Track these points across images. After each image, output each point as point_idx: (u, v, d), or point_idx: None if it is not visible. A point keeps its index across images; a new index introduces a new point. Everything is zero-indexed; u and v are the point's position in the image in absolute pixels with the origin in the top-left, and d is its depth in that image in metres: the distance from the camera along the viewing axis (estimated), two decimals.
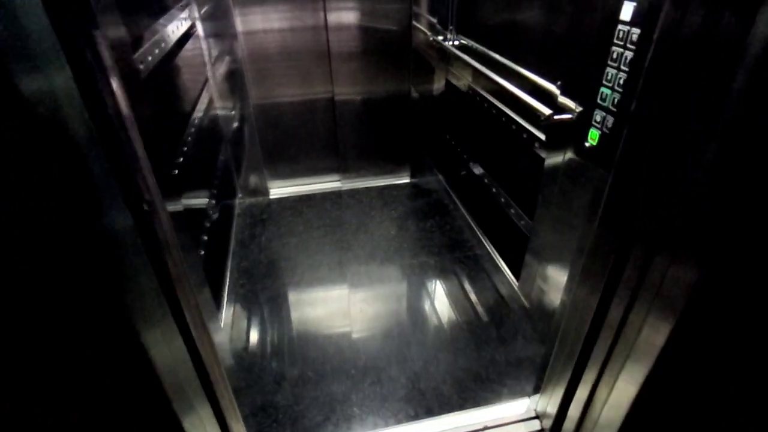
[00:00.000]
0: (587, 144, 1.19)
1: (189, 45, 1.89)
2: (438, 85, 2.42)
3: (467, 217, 2.31)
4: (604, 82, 1.08)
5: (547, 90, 1.41)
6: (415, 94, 2.51)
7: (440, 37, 2.25)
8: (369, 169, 2.70)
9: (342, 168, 2.65)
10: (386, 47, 2.35)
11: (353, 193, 2.62)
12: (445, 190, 2.60)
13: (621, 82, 1.02)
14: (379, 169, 2.72)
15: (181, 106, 1.68)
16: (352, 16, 2.25)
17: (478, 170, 2.11)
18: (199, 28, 2.03)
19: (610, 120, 1.07)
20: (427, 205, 2.49)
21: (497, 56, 1.74)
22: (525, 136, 1.62)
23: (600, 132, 1.13)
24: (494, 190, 1.94)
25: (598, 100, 1.11)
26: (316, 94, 2.41)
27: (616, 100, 1.05)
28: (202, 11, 2.01)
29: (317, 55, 2.28)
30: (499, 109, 1.77)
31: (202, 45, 2.06)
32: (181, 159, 1.53)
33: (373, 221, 2.36)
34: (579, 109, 1.24)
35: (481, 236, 2.17)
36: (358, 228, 2.30)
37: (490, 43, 1.85)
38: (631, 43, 0.98)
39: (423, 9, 2.29)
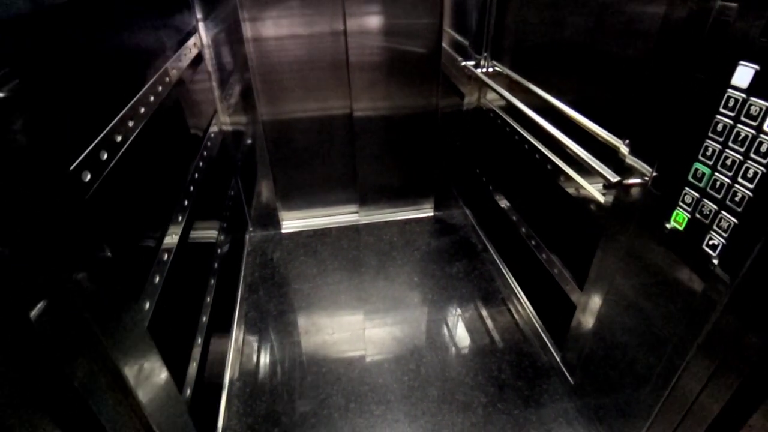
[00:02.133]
0: (669, 226, 0.96)
1: (194, 77, 1.70)
2: (468, 112, 2.20)
3: (498, 262, 2.09)
4: (701, 158, 0.85)
5: (611, 145, 1.18)
6: (441, 117, 2.27)
7: (471, 63, 2.03)
8: (389, 200, 2.49)
9: (361, 198, 2.45)
10: (411, 63, 2.11)
11: (372, 228, 2.41)
12: (472, 227, 2.38)
13: (729, 163, 0.79)
14: (401, 201, 2.51)
15: (180, 151, 1.49)
16: (373, 26, 2.00)
17: (513, 216, 1.88)
18: (206, 53, 1.84)
19: (710, 207, 0.84)
20: (453, 244, 2.27)
21: (542, 92, 1.51)
22: (577, 192, 1.39)
23: (690, 217, 0.90)
24: (533, 242, 1.71)
25: (690, 178, 0.88)
26: (333, 109, 2.18)
27: (719, 184, 0.82)
28: (211, 32, 1.82)
29: (334, 65, 2.05)
30: (544, 155, 1.54)
31: (210, 69, 1.87)
32: (186, 201, 1.35)
33: (394, 264, 2.14)
34: (654, 174, 1.02)
35: (514, 287, 1.94)
36: (377, 272, 2.10)
37: (533, 75, 1.62)
38: (750, 117, 0.75)
39: (453, 27, 2.06)
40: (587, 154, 1.19)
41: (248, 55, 1.94)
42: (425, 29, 2.06)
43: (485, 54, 1.98)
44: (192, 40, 1.68)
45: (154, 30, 1.33)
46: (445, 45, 2.10)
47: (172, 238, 1.18)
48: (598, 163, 1.15)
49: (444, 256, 2.19)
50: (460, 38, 2.06)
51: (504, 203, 1.98)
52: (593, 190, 1.31)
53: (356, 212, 2.49)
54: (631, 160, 1.10)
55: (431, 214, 2.51)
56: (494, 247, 2.17)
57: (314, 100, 2.14)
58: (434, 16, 2.03)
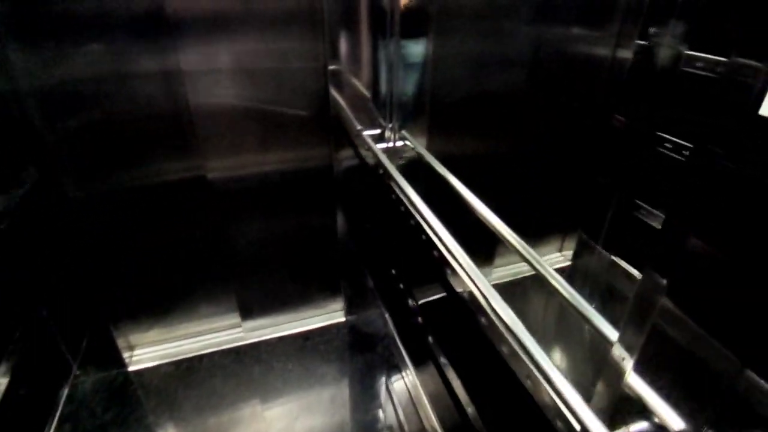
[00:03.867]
0: None
1: None
2: (373, 187, 1.63)
3: (429, 407, 1.52)
4: None
5: (604, 335, 0.66)
6: (341, 180, 1.67)
7: (374, 132, 1.49)
8: (284, 305, 1.86)
9: (241, 306, 1.80)
10: (285, 116, 1.53)
11: (260, 350, 1.77)
12: (392, 338, 1.80)
13: None
14: (300, 303, 1.89)
15: None
16: (225, 65, 1.38)
17: (440, 357, 1.33)
18: None
19: None
20: (370, 369, 1.69)
21: (474, 200, 0.98)
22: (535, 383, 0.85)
23: None
24: (470, 410, 1.16)
25: None
26: (175, 173, 1.48)
27: None
28: None
29: (169, 114, 1.38)
30: (480, 306, 1.00)
31: None
32: None
33: (286, 416, 1.51)
34: None
35: None
36: None
37: (459, 165, 1.10)
38: None
39: (356, 75, 1.49)
40: (564, 383, 0.64)
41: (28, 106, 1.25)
42: (302, 73, 1.50)
43: (390, 125, 1.45)
44: None
45: None
46: (337, 96, 1.53)
47: None
48: (570, 391, 0.61)
49: (356, 390, 1.60)
50: (362, 90, 1.51)
51: (428, 335, 1.42)
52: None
53: (239, 326, 1.84)
54: (637, 385, 0.58)
55: (342, 319, 1.92)
56: (420, 378, 1.61)
57: (141, 161, 1.43)
58: (315, 58, 1.47)
